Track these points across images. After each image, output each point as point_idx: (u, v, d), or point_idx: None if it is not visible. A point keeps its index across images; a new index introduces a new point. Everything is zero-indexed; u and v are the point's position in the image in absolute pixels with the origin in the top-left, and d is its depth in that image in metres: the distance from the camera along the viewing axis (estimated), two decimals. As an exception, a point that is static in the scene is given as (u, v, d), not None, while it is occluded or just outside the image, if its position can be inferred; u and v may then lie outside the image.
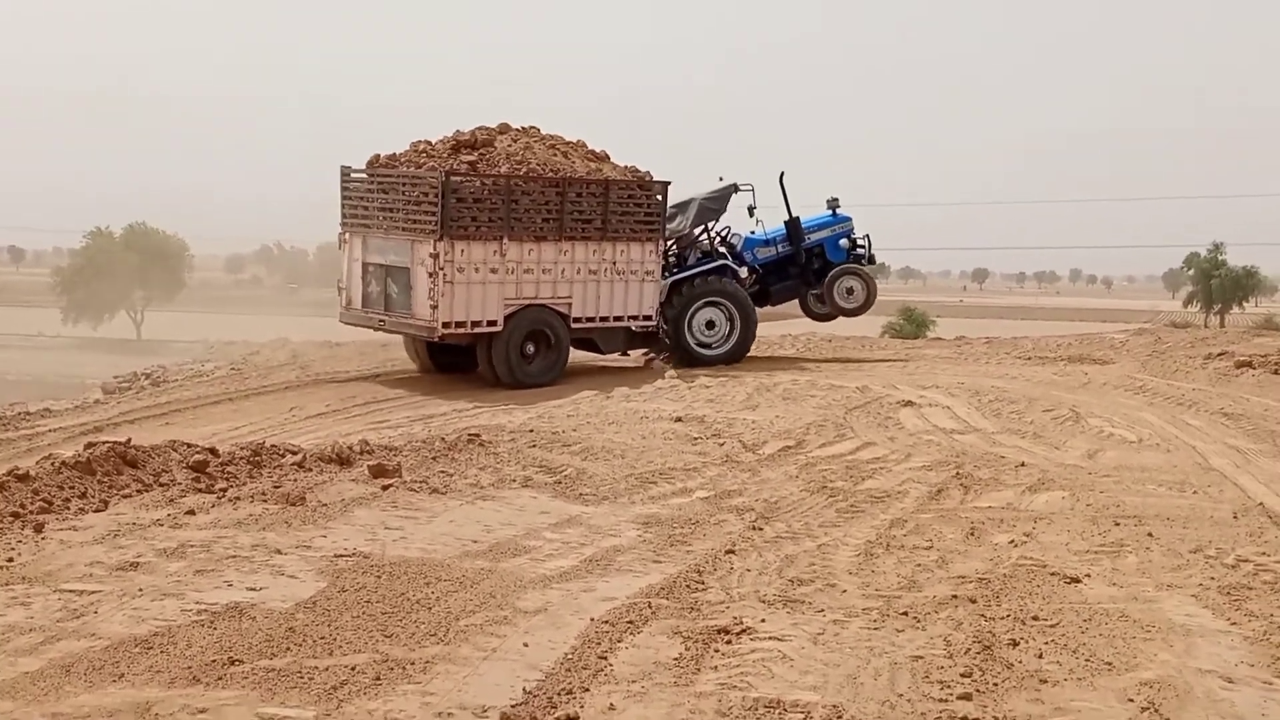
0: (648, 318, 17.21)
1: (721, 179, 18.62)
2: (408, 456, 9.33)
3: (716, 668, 4.98)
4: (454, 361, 16.80)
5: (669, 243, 18.16)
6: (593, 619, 5.57)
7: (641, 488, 8.74)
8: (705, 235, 18.69)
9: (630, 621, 5.53)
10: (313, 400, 14.35)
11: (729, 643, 5.27)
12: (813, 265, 19.26)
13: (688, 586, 6.16)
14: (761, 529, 7.52)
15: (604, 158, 17.66)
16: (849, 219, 19.75)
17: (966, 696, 4.66)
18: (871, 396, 13.32)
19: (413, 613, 5.62)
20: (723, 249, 18.89)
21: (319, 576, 6.14)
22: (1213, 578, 6.38)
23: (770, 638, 5.32)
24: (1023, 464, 9.66)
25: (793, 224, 19.23)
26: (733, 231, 19.25)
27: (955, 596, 6.04)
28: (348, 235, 16.96)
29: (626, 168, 17.63)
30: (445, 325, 15.57)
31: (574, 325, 16.61)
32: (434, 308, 15.49)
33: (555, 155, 16.93)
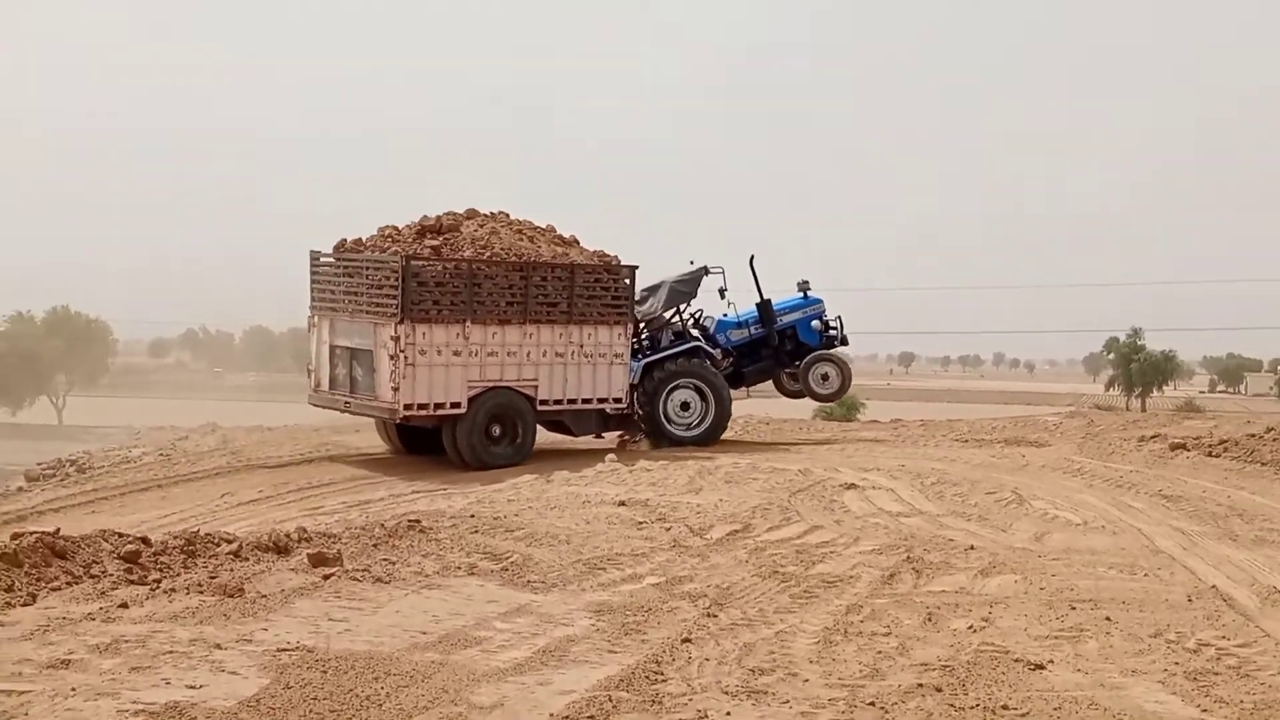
0: (618, 400, 17.26)
1: (692, 262, 18.72)
2: (347, 544, 9.03)
3: (686, 765, 4.77)
4: (423, 443, 16.80)
5: (641, 325, 18.32)
6: (551, 714, 5.33)
7: (590, 574, 8.53)
8: (678, 317, 18.79)
9: (591, 717, 5.31)
10: (244, 486, 14.01)
11: (692, 739, 5.07)
12: (785, 346, 19.47)
13: (647, 678, 5.94)
14: (716, 616, 7.32)
15: (572, 242, 17.76)
16: (820, 301, 19.98)
17: (946, 792, 4.50)
18: (814, 479, 13.23)
19: (362, 710, 5.36)
20: (695, 331, 19.02)
21: (262, 672, 5.84)
22: (1177, 663, 6.29)
23: (738, 732, 5.13)
24: (972, 547, 9.58)
25: (764, 306, 19.38)
26: (705, 314, 19.40)
27: (921, 685, 5.89)
28: (316, 318, 17.15)
29: (594, 252, 17.71)
30: (407, 407, 15.68)
31: (541, 407, 16.66)
32: (395, 390, 15.60)
33: (521, 240, 17.03)
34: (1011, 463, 15.26)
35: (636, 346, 18.10)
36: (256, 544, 8.73)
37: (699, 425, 17.92)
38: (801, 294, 19.85)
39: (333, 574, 7.96)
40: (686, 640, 6.69)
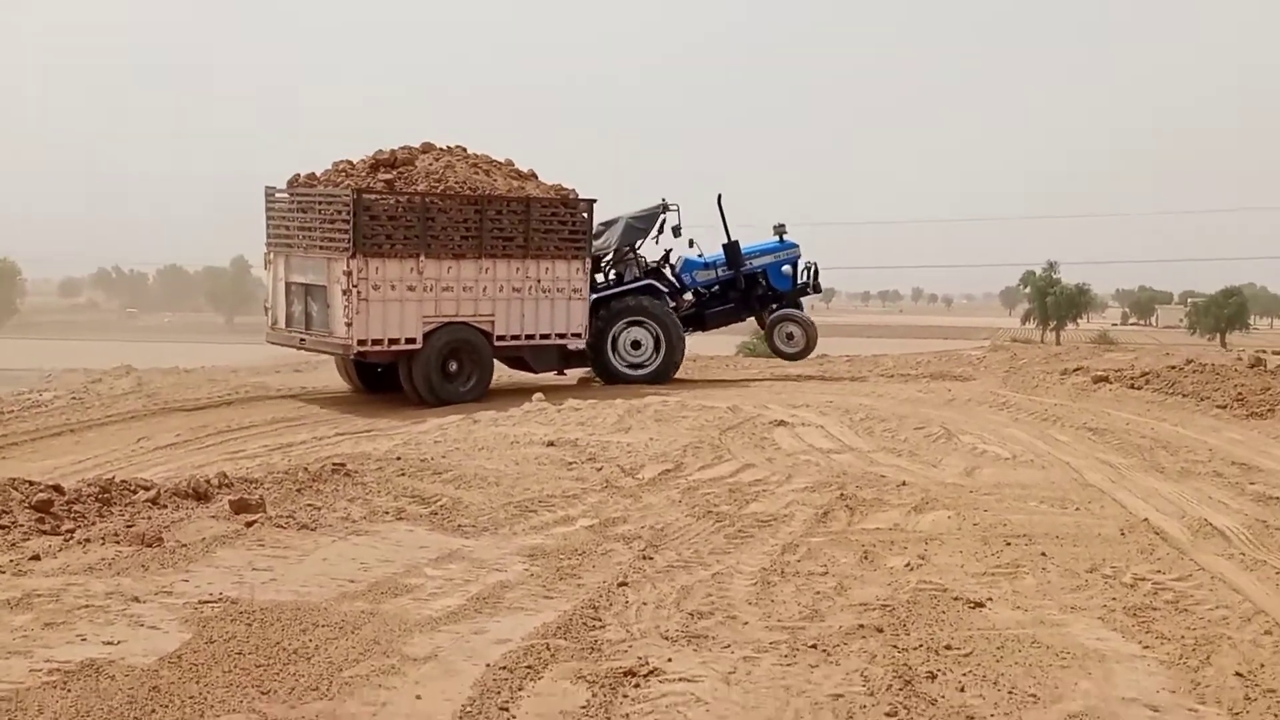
0: (577, 335, 17.11)
1: (665, 201, 18.47)
2: (270, 489, 8.74)
3: (629, 716, 4.64)
4: (382, 382, 16.76)
5: (604, 260, 18.30)
6: (488, 665, 5.17)
7: (522, 517, 8.35)
8: (641, 254, 18.56)
9: (529, 666, 5.15)
10: (161, 430, 13.58)
11: (637, 686, 4.93)
12: (755, 291, 19.12)
13: (585, 624, 5.80)
14: (651, 558, 7.20)
15: (529, 176, 17.46)
16: (795, 246, 19.46)
17: (896, 737, 4.41)
18: (744, 416, 13.14)
19: (290, 664, 5.15)
20: (655, 268, 18.74)
21: (183, 626, 5.60)
22: (1115, 598, 6.27)
23: (680, 679, 5.00)
24: (904, 483, 9.54)
25: (731, 248, 19.04)
26: (675, 254, 19.11)
27: (862, 626, 5.80)
28: (272, 255, 16.95)
29: (552, 186, 17.40)
30: (361, 343, 15.58)
31: (498, 343, 16.51)
32: (349, 325, 15.45)
33: (477, 174, 16.76)
34: (938, 398, 15.29)
35: (600, 282, 18.14)
36: (175, 491, 8.41)
37: (649, 364, 17.77)
38: (777, 238, 19.39)
39: (256, 521, 7.69)
40: (623, 584, 6.56)
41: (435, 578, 6.67)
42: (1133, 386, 15.45)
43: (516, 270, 16.48)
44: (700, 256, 19.16)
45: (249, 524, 7.63)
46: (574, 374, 18.65)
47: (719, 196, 18.77)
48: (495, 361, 17.06)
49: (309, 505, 8.33)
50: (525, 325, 16.67)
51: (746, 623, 5.91)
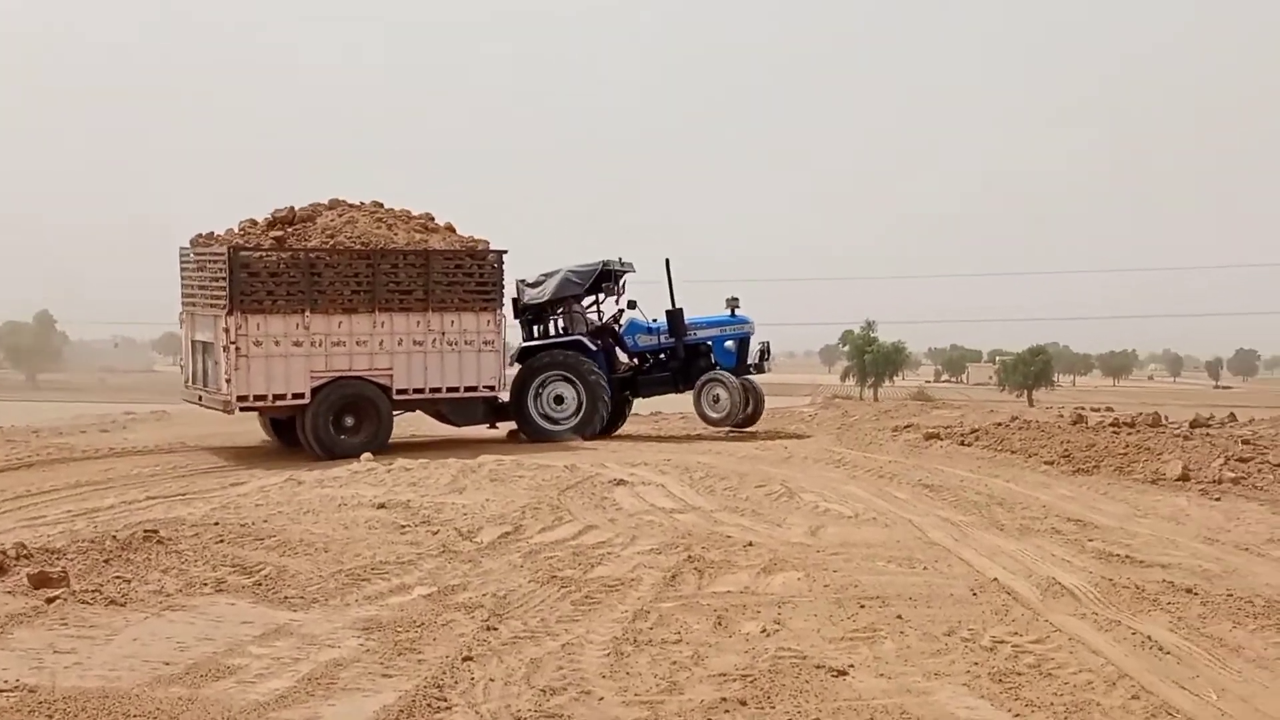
0: (489, 388, 16.74)
1: (616, 260, 18.36)
2: (74, 560, 8.02)
3: (484, 811, 4.23)
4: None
5: (543, 313, 18.29)
6: (325, 756, 4.69)
7: (354, 586, 7.83)
8: (583, 311, 18.54)
9: (371, 757, 4.69)
10: (-48, 495, 12.52)
11: (491, 776, 4.52)
12: (698, 363, 18.60)
13: (429, 706, 5.36)
14: (496, 629, 6.78)
15: (441, 229, 17.13)
16: (745, 321, 19.03)
17: (776, 827, 4.10)
18: (582, 475, 12.81)
19: (97, 762, 4.59)
20: (602, 326, 18.65)
21: (-29, 721, 4.98)
22: (977, 663, 6.11)
23: (537, 766, 4.61)
24: (750, 543, 9.31)
25: (673, 316, 18.65)
26: (626, 314, 18.86)
27: (724, 699, 5.51)
28: (184, 314, 16.95)
29: (467, 238, 17.09)
30: (241, 399, 15.52)
31: (398, 396, 16.19)
32: (228, 381, 15.39)
33: (379, 227, 16.51)
34: (775, 455, 15.22)
35: (541, 335, 18.27)
36: (-35, 563, 7.65)
37: (570, 420, 17.52)
38: (729, 311, 18.98)
39: (58, 596, 7.02)
40: (468, 659, 6.13)
41: (261, 657, 6.13)
42: (963, 443, 15.66)
43: (417, 323, 16.21)
44: (647, 321, 18.87)
45: (50, 600, 6.97)
46: (506, 427, 18.22)
47: (666, 261, 18.56)
48: (423, 415, 17.14)
49: (117, 577, 7.66)
50: (429, 378, 16.35)
51: (602, 698, 5.56)
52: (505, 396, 17.51)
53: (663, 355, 18.85)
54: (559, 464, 13.61)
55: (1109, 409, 21.15)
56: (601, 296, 19.05)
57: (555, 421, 17.58)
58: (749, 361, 18.87)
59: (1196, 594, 7.52)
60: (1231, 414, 18.14)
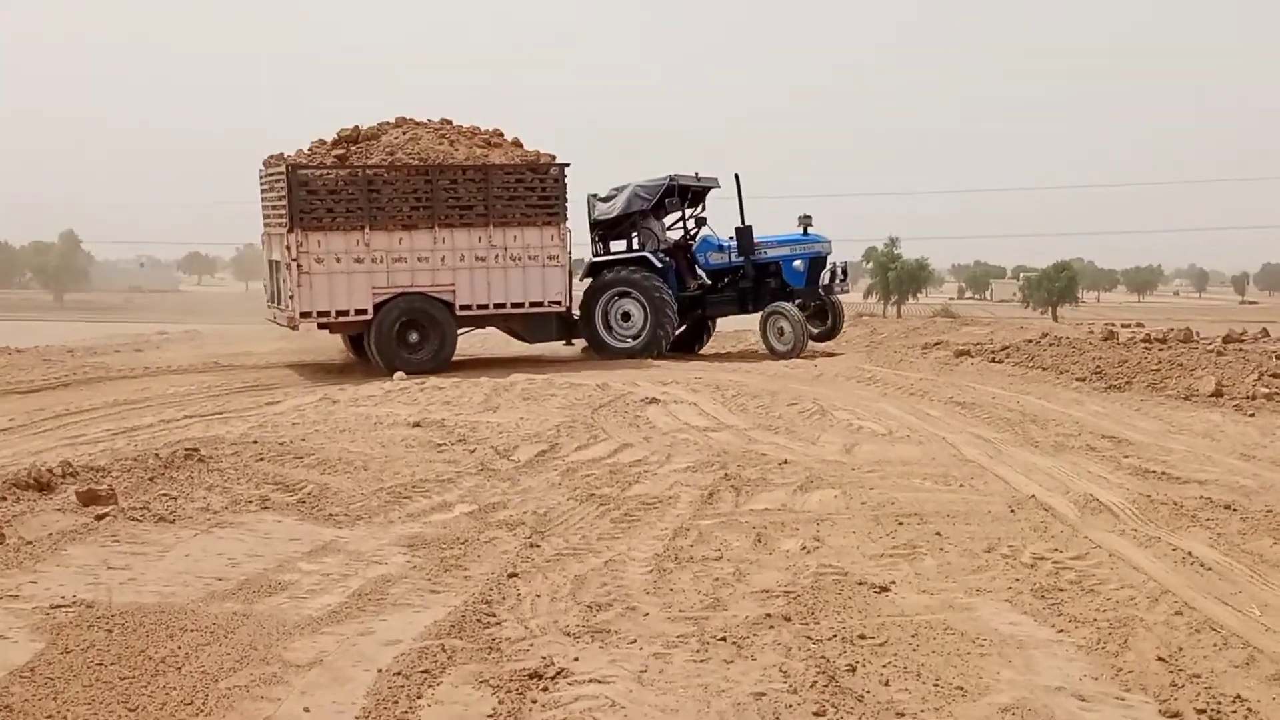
0: (555, 303, 16.75)
1: (697, 175, 18.14)
2: (119, 478, 8.12)
3: (542, 724, 4.30)
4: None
5: (629, 226, 18.10)
6: (381, 670, 4.77)
7: (396, 504, 7.91)
8: (652, 226, 18.21)
9: (426, 671, 4.76)
10: (-8, 414, 12.67)
11: (545, 690, 4.59)
12: (767, 283, 18.07)
13: (479, 621, 5.42)
14: (539, 546, 6.84)
15: (502, 144, 17.09)
16: (818, 240, 18.30)
17: (829, 740, 4.16)
18: (614, 394, 12.85)
19: (159, 676, 4.67)
20: (677, 244, 18.37)
21: (34, 634, 5.07)
22: (1018, 579, 6.13)
23: (590, 680, 4.67)
24: (785, 461, 9.35)
25: (742, 234, 18.13)
26: (704, 232, 18.65)
27: (768, 615, 5.55)
28: (264, 235, 17.32)
29: (535, 153, 17.04)
30: (304, 315, 15.92)
31: (462, 312, 16.34)
32: (290, 298, 15.80)
33: (441, 144, 16.57)
34: (806, 373, 15.23)
35: (616, 251, 18.15)
36: (14, 481, 7.72)
37: (636, 338, 17.38)
38: (801, 229, 18.26)
39: (107, 513, 7.11)
40: (513, 575, 6.20)
41: (311, 573, 6.22)
42: (994, 360, 15.62)
43: (479, 239, 16.27)
44: (719, 239, 18.44)
45: (99, 517, 7.05)
46: (581, 344, 18.31)
47: (735, 176, 18.01)
48: (505, 331, 17.39)
49: (164, 495, 7.76)
50: (493, 294, 16.42)
51: (648, 614, 5.61)
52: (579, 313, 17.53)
53: (732, 275, 18.39)
54: (590, 383, 13.65)
55: (1139, 325, 21.04)
56: (687, 212, 18.73)
57: (622, 339, 17.46)
58: (821, 284, 18.20)
59: (1235, 510, 7.52)
60: (1264, 329, 18.01)
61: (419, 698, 4.50)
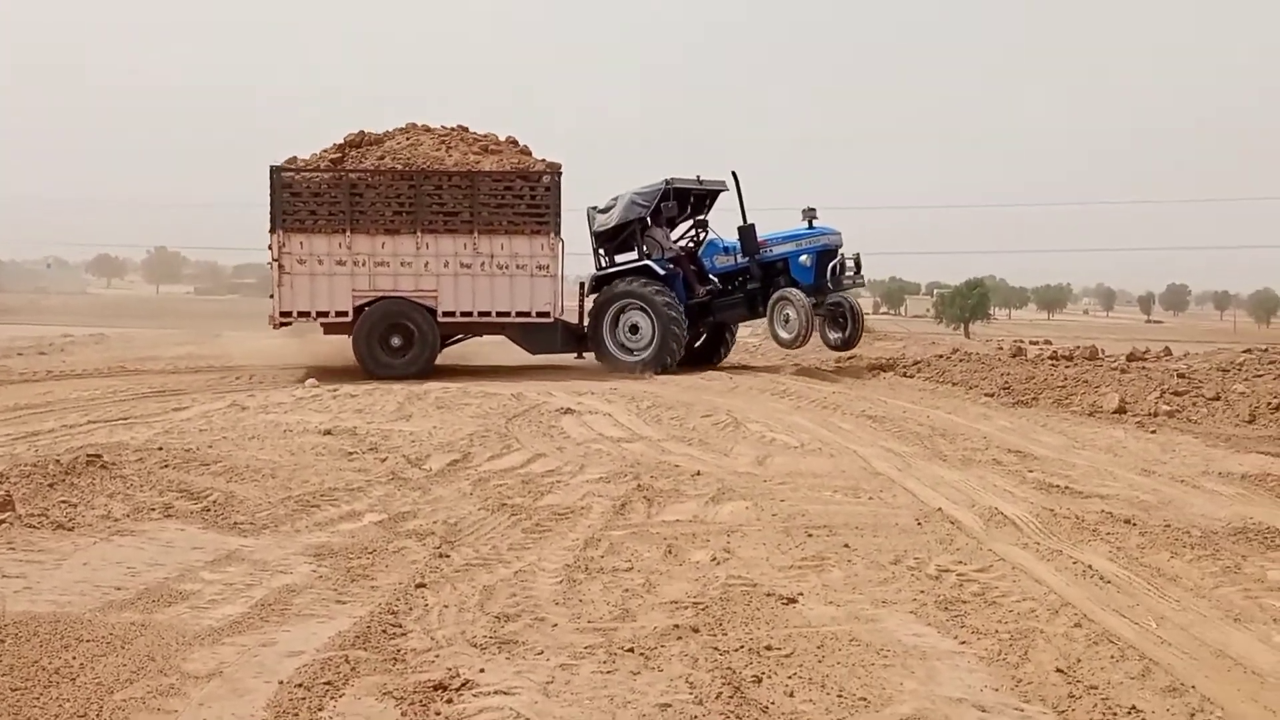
0: (542, 314, 16.43)
1: (699, 178, 17.49)
2: (17, 484, 7.92)
3: (444, 736, 4.25)
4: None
5: (633, 236, 17.46)
6: (282, 682, 4.68)
7: (303, 512, 7.80)
8: (652, 234, 17.57)
9: (328, 682, 4.69)
10: (-114, 417, 12.30)
11: (450, 701, 4.54)
12: (776, 283, 17.02)
13: (384, 632, 5.36)
14: (448, 556, 6.79)
15: (501, 150, 17.00)
16: (825, 232, 17.13)
17: (733, 751, 4.17)
18: (529, 404, 12.82)
19: (52, 687, 4.55)
20: (684, 252, 17.65)
21: (-79, 646, 4.92)
22: (923, 591, 6.20)
23: (496, 691, 4.63)
24: (698, 472, 9.38)
25: (744, 233, 17.28)
26: (710, 236, 17.91)
27: (677, 626, 5.55)
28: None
29: (541, 161, 16.93)
30: (284, 315, 16.19)
31: (444, 319, 16.25)
32: (271, 297, 16.19)
33: (440, 150, 16.59)
34: (721, 385, 15.30)
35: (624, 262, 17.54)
36: (-95, 487, 7.53)
37: (643, 351, 16.82)
38: (806, 223, 17.16)
39: (3, 520, 6.94)
40: (421, 585, 6.13)
41: (213, 582, 6.10)
42: (905, 375, 15.84)
43: (465, 245, 16.16)
44: (724, 241, 17.61)
45: (-5, 524, 6.86)
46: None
47: (733, 174, 17.32)
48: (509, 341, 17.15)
49: (63, 502, 7.58)
50: (477, 302, 16.27)
51: (556, 625, 5.58)
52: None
53: (741, 278, 17.50)
54: (505, 392, 13.61)
55: (1047, 342, 21.44)
56: (695, 218, 18.03)
57: (632, 352, 16.86)
58: (842, 279, 17.02)
59: (1135, 524, 7.68)
60: (1166, 348, 18.44)
61: (320, 710, 4.43)
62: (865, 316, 17.12)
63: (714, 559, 6.84)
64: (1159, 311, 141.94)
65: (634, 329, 16.89)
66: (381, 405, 12.60)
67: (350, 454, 9.90)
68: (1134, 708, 4.63)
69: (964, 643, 5.40)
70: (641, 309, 16.83)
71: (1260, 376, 13.73)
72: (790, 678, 4.89)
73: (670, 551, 7.01)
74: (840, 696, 4.69)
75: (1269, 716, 4.58)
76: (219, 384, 15.57)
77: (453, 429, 11.17)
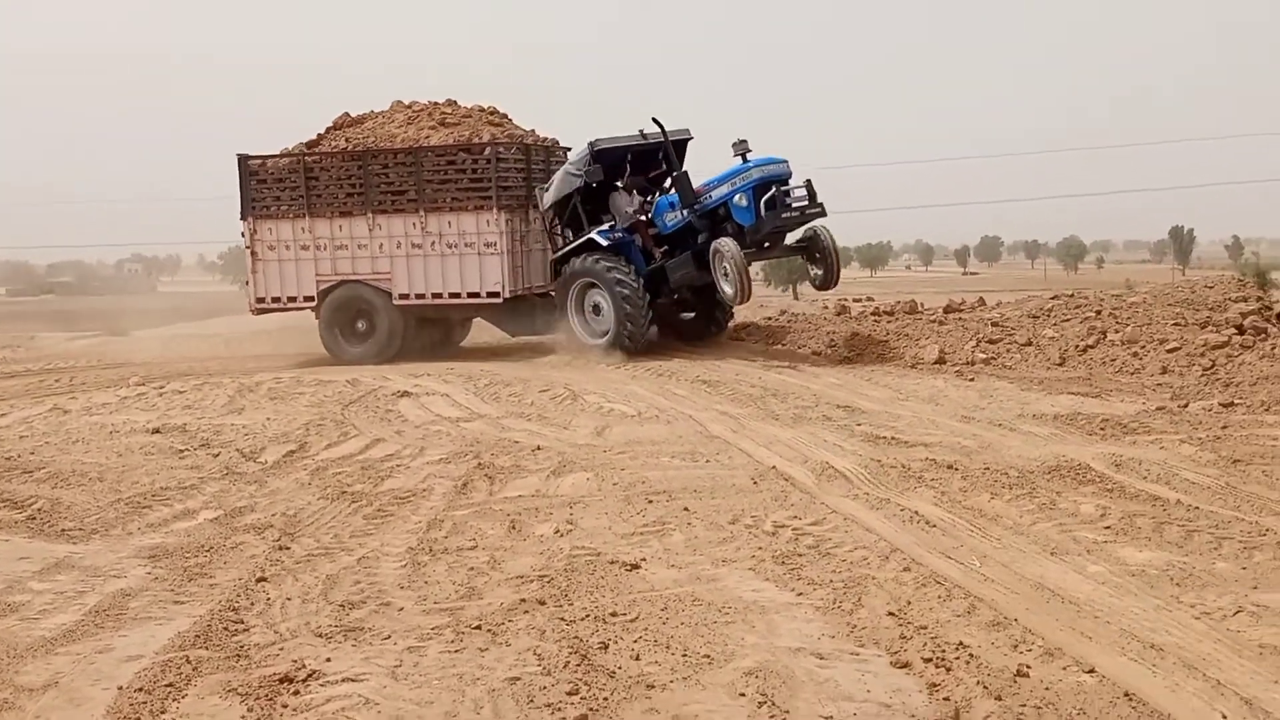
0: (492, 294, 15.74)
1: (642, 132, 15.41)
2: None
3: (293, 728, 4.20)
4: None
5: (560, 211, 15.74)
6: (121, 688, 4.57)
7: (135, 514, 7.58)
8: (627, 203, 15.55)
9: (170, 684, 4.59)
10: None
11: (297, 693, 4.48)
12: (725, 231, 14.51)
13: (226, 629, 5.26)
14: (289, 548, 6.68)
15: (453, 121, 16.49)
16: (765, 163, 14.48)
17: (582, 718, 4.22)
18: (365, 389, 12.64)
19: (-126, 714, 4.36)
20: (634, 220, 15.37)
21: None
22: (761, 548, 6.35)
23: (344, 679, 4.60)
24: (538, 447, 9.40)
25: (678, 181, 14.94)
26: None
27: (523, 600, 5.58)
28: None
29: (529, 132, 16.63)
30: (259, 300, 16.40)
31: (400, 301, 15.93)
32: (246, 284, 16.47)
33: (403, 128, 16.28)
34: (558, 359, 15.30)
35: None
36: None
37: (605, 331, 15.18)
38: (741, 159, 14.59)
39: None
40: (262, 579, 6.04)
41: (43, 592, 5.91)
42: (735, 338, 16.07)
43: (414, 225, 15.77)
44: (670, 197, 15.31)
45: None
46: None
47: (654, 119, 15.17)
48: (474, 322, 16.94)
49: (-124, 521, 7.20)
50: (429, 283, 15.83)
51: (402, 609, 5.56)
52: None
53: (688, 234, 15.16)
54: (340, 378, 13.40)
55: (869, 299, 22.02)
56: (650, 174, 15.81)
57: (598, 334, 15.34)
58: (782, 213, 14.32)
59: (957, 469, 7.98)
60: (980, 298, 19.12)
61: (163, 712, 4.34)
62: (836, 248, 14.88)
63: (557, 531, 6.88)
64: (974, 264, 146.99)
65: (596, 309, 15.35)
66: (211, 400, 12.28)
67: (181, 451, 9.64)
68: (961, 643, 4.83)
69: (801, 594, 5.55)
70: (597, 287, 15.20)
71: (1068, 321, 14.36)
72: (636, 641, 4.96)
73: (514, 527, 7.03)
74: (685, 656, 4.79)
75: (1085, 642, 4.83)
76: (38, 387, 14.94)
77: (287, 419, 10.95)
